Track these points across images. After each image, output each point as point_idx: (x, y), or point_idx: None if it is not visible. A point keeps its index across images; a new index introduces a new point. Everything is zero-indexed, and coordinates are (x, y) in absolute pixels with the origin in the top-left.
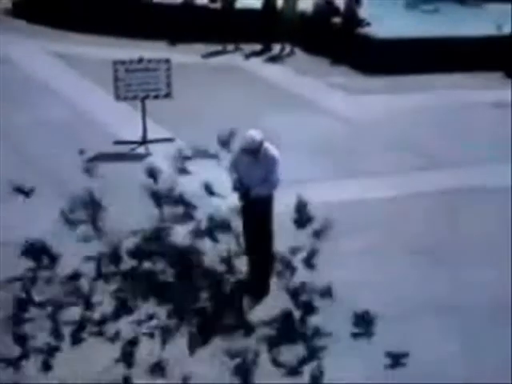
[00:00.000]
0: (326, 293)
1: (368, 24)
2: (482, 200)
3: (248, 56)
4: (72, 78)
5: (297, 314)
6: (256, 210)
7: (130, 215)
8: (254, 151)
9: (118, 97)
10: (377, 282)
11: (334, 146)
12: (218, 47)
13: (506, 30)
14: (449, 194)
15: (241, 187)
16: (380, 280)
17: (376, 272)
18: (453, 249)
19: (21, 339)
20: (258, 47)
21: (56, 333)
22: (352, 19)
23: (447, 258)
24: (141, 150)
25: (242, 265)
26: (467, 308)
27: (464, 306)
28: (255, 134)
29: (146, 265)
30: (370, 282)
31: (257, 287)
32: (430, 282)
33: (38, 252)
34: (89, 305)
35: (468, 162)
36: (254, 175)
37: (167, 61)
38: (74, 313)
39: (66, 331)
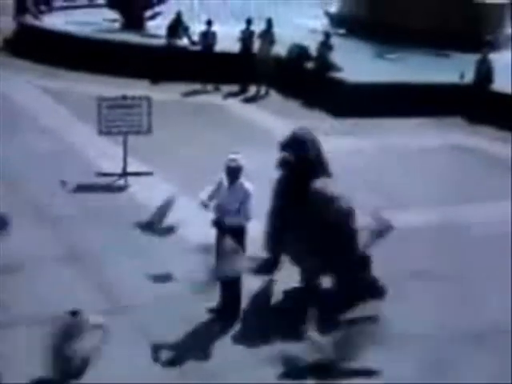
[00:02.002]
0: None
1: (339, 69)
2: (439, 237)
3: (226, 96)
4: (58, 112)
5: None
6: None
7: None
8: (234, 171)
9: (100, 132)
10: None
11: None
12: (198, 87)
13: (467, 79)
14: (407, 231)
15: (217, 213)
16: None
17: None
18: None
19: None
20: (235, 88)
21: None
22: (324, 64)
23: None
24: (121, 182)
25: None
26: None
27: None
28: (238, 156)
29: None
30: None
31: (229, 314)
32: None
33: None
34: None
35: (426, 201)
36: (229, 204)
37: (148, 98)
38: None
39: None
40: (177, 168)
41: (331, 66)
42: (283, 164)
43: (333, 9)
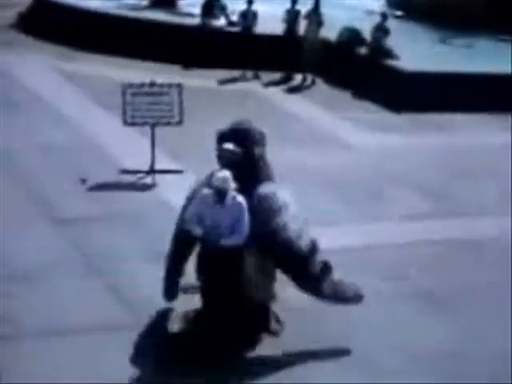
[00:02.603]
0: None
1: (396, 56)
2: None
3: (267, 85)
4: (77, 99)
5: None
6: (223, 264)
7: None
8: (223, 192)
9: (125, 122)
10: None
11: (347, 186)
12: (236, 73)
13: None
14: (459, 242)
15: (207, 240)
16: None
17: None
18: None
19: None
20: (277, 76)
21: None
22: (379, 50)
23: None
24: (148, 180)
25: None
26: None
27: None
28: (226, 173)
29: None
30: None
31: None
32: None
33: None
34: None
35: (482, 211)
36: (222, 225)
37: (179, 85)
38: None
39: None
40: (210, 165)
41: (387, 53)
42: (228, 158)
43: None
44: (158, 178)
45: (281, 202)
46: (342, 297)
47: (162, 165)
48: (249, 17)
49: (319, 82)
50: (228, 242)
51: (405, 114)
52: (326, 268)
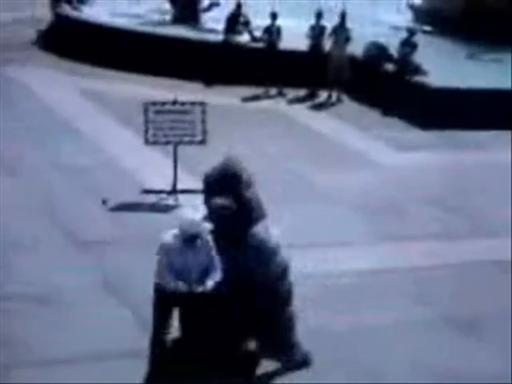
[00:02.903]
0: None
1: (424, 72)
2: None
3: (291, 102)
4: (98, 117)
5: None
6: (199, 309)
7: None
8: (195, 236)
9: (147, 141)
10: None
11: (374, 205)
12: (260, 91)
13: None
14: (488, 263)
15: (181, 287)
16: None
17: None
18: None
19: None
20: (302, 92)
21: None
22: (406, 66)
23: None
24: (170, 200)
25: None
26: None
27: None
28: (192, 213)
29: None
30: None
31: None
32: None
33: None
34: None
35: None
36: (196, 267)
37: (202, 103)
38: None
39: None
40: None
41: (414, 69)
42: (219, 213)
43: (418, 1)
44: (181, 198)
45: (275, 242)
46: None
47: (185, 185)
48: (273, 32)
49: (345, 98)
50: (207, 285)
51: (432, 131)
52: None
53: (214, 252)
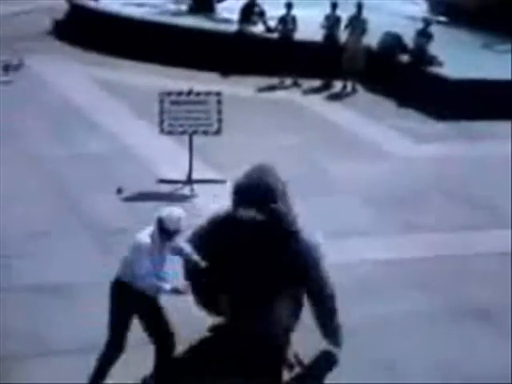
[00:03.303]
0: None
1: (440, 63)
2: None
3: (306, 92)
4: (114, 107)
5: None
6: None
7: None
8: (175, 233)
9: (162, 130)
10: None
11: (392, 197)
12: (275, 81)
13: None
14: (503, 255)
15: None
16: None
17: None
18: None
19: None
20: (317, 83)
21: None
22: (422, 57)
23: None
24: (186, 190)
25: None
26: None
27: None
28: (176, 209)
29: None
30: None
31: None
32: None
33: None
34: None
35: None
36: (163, 268)
37: (218, 94)
38: None
39: None
40: None
41: (430, 60)
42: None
43: None
44: (197, 188)
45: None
46: None
47: (200, 174)
48: (288, 22)
49: (360, 89)
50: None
51: (448, 122)
52: None
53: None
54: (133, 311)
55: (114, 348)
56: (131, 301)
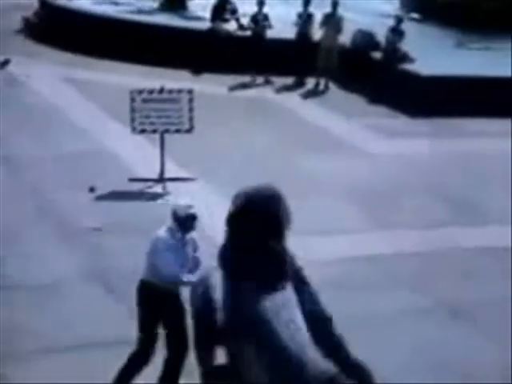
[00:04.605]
0: None
1: (412, 60)
2: None
3: (279, 90)
4: (85, 106)
5: None
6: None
7: None
8: (194, 217)
9: (134, 129)
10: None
11: (366, 194)
12: (247, 79)
13: None
14: (479, 250)
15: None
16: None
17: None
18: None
19: None
20: (290, 81)
21: None
22: (394, 54)
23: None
24: (158, 188)
25: None
26: None
27: None
28: (184, 201)
29: None
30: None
31: None
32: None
33: None
34: None
35: (501, 218)
36: (188, 259)
37: (190, 91)
38: None
39: None
40: (222, 174)
41: (402, 56)
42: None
43: None
44: (169, 186)
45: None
46: None
47: (172, 173)
48: (260, 20)
49: (332, 86)
50: (198, 277)
51: (421, 119)
52: None
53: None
54: (158, 310)
55: (144, 348)
56: (156, 299)
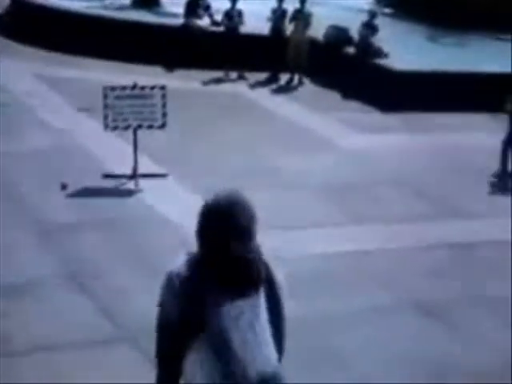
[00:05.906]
0: None
1: (385, 55)
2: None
3: (253, 86)
4: (58, 103)
5: None
6: None
7: None
8: None
9: (106, 126)
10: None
11: (340, 188)
12: (220, 74)
13: None
14: (460, 247)
15: None
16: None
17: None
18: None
19: None
20: (263, 76)
21: None
22: (367, 49)
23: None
24: (131, 185)
25: None
26: None
27: None
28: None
29: None
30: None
31: None
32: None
33: None
34: None
35: (476, 212)
36: None
37: (163, 88)
38: None
39: None
40: (195, 169)
41: (375, 51)
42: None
43: None
44: (142, 182)
45: None
46: None
47: (146, 169)
48: (233, 16)
49: (306, 82)
50: None
51: (394, 114)
52: None
53: None
54: None
55: None
56: None
